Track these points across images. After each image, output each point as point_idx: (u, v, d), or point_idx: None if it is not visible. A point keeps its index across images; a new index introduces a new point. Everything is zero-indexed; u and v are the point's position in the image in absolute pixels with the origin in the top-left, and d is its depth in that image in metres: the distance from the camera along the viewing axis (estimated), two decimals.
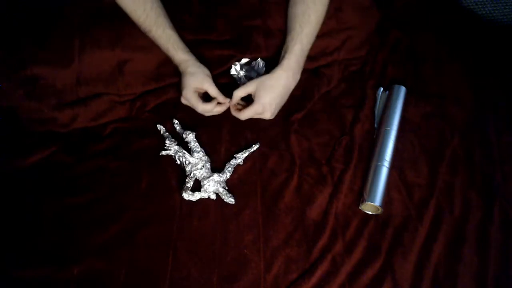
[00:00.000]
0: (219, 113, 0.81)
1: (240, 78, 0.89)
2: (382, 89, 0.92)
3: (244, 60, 0.89)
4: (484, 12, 1.17)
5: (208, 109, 0.79)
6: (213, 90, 0.78)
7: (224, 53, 0.90)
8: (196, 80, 0.77)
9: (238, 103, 0.81)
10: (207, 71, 0.79)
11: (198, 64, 0.80)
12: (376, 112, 0.88)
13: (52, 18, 0.84)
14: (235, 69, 0.89)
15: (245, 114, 0.77)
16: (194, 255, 0.67)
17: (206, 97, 0.81)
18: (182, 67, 0.80)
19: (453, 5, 1.15)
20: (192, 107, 0.79)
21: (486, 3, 1.15)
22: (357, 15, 0.94)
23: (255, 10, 0.92)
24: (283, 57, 0.79)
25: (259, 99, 0.75)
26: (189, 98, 0.77)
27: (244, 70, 0.89)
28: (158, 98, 0.87)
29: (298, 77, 0.81)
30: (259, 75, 0.87)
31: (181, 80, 0.79)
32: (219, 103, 0.80)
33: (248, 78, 0.87)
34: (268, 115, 0.77)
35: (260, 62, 0.89)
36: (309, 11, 0.78)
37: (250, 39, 0.90)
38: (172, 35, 0.79)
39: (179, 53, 0.79)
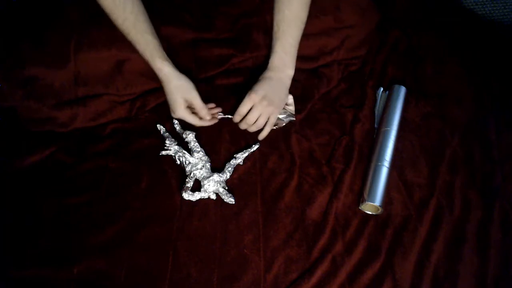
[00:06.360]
0: (207, 124, 0.81)
1: None
2: (382, 89, 0.92)
3: None
4: (484, 12, 1.17)
5: (197, 123, 0.79)
6: (198, 104, 0.77)
7: (224, 51, 0.90)
8: (183, 95, 0.76)
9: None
10: (190, 83, 0.77)
11: (178, 75, 0.77)
12: (376, 112, 0.88)
13: (50, 18, 0.84)
14: None
15: (244, 106, 0.76)
16: (194, 255, 0.67)
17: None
18: (161, 77, 0.77)
19: (453, 5, 1.15)
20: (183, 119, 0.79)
21: (486, 3, 1.15)
22: (356, 14, 0.94)
23: (254, 8, 0.92)
24: (268, 57, 0.82)
25: (252, 89, 0.77)
26: (181, 114, 0.77)
27: None
28: (158, 98, 0.87)
29: (289, 72, 0.82)
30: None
31: (166, 92, 0.78)
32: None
33: None
34: (265, 102, 0.76)
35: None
36: (282, 7, 0.79)
37: (249, 37, 0.90)
38: (151, 40, 0.76)
39: (156, 61, 0.76)
